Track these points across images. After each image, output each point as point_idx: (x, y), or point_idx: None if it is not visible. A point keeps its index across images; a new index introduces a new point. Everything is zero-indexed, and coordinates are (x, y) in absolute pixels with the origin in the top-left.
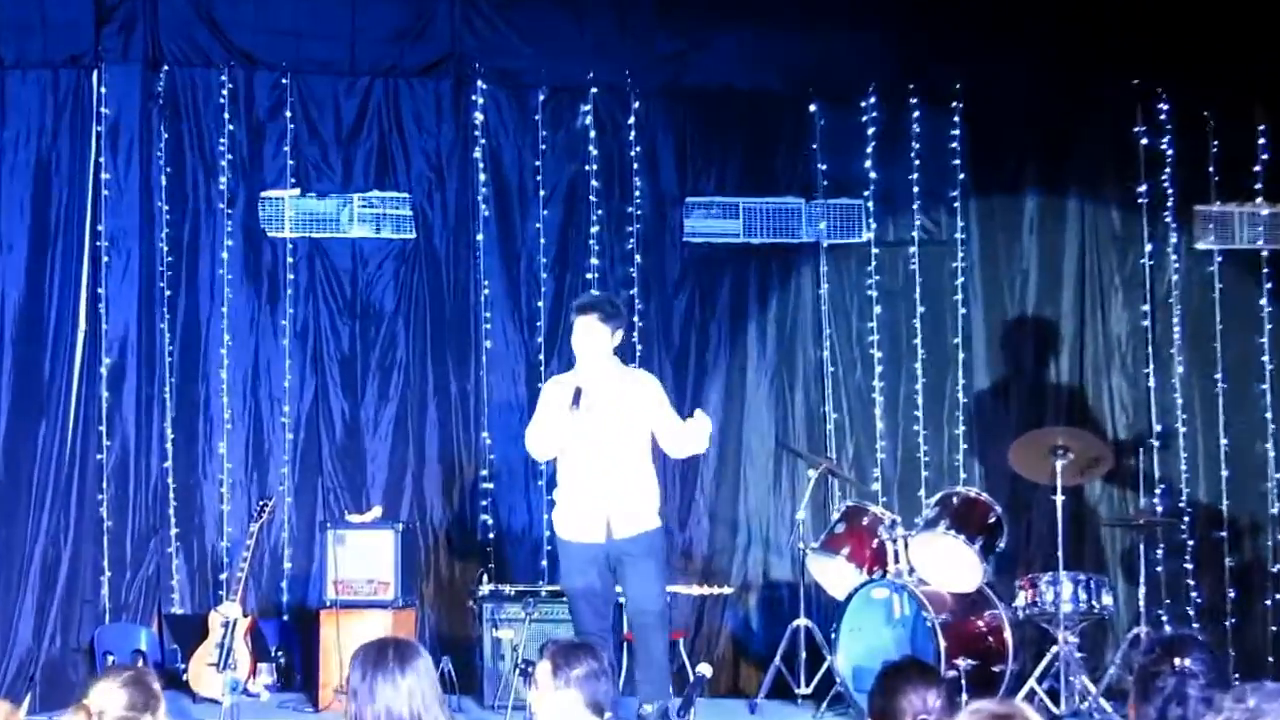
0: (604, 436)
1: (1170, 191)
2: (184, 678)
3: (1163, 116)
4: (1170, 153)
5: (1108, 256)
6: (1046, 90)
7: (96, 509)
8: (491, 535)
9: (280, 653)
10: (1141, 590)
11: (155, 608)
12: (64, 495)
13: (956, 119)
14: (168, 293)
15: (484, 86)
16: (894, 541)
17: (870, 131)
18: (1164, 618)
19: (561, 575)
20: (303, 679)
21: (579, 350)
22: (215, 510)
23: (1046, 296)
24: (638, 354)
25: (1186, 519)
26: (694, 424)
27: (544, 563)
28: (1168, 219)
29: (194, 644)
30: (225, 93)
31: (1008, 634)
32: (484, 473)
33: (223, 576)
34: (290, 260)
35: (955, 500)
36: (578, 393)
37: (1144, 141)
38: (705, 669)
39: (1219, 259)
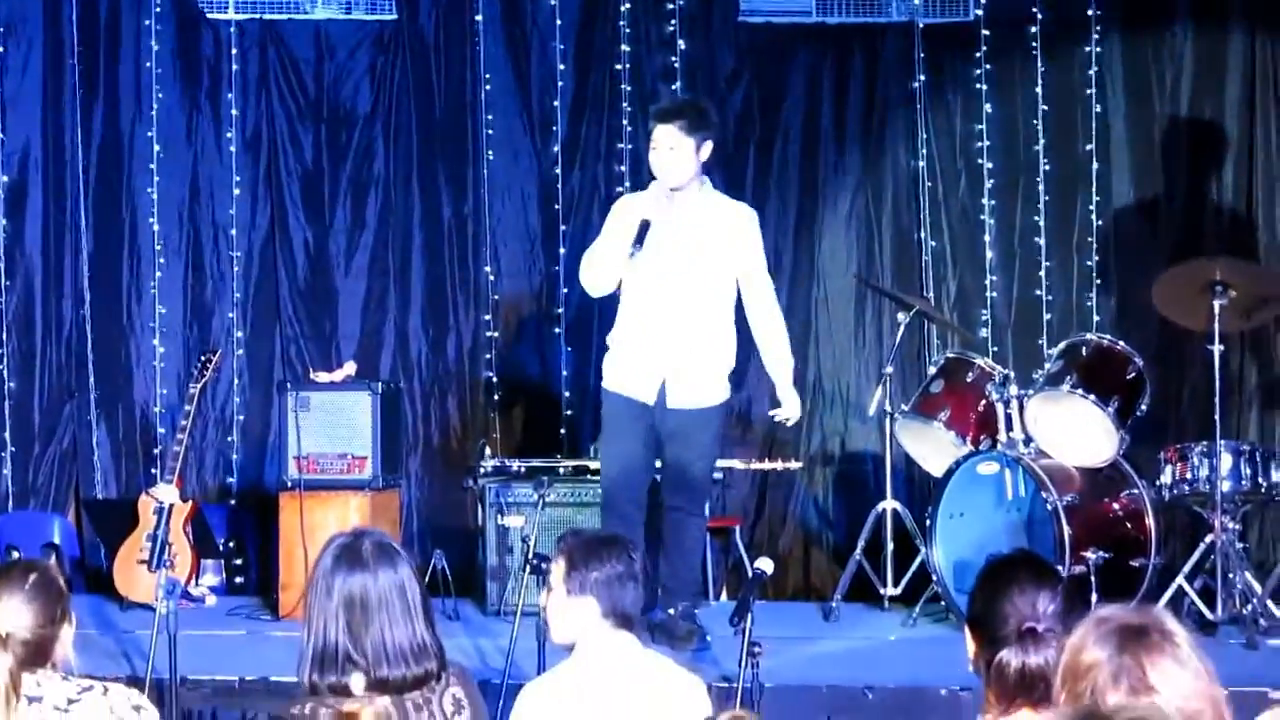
0: (676, 278)
1: None
2: (109, 577)
3: None
4: None
5: None
6: None
7: None
8: (496, 398)
9: (230, 546)
10: None
11: (71, 490)
12: None
13: None
14: (80, 92)
15: None
16: (1006, 403)
17: None
18: None
19: (603, 434)
20: (258, 579)
21: (658, 168)
22: (146, 368)
23: (1205, 92)
24: None
25: None
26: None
27: (563, 431)
28: None
29: (121, 536)
30: None
31: (1150, 519)
32: (486, 318)
33: (156, 451)
34: (236, 49)
35: (1085, 351)
36: (644, 228)
37: None
38: (767, 564)
39: None
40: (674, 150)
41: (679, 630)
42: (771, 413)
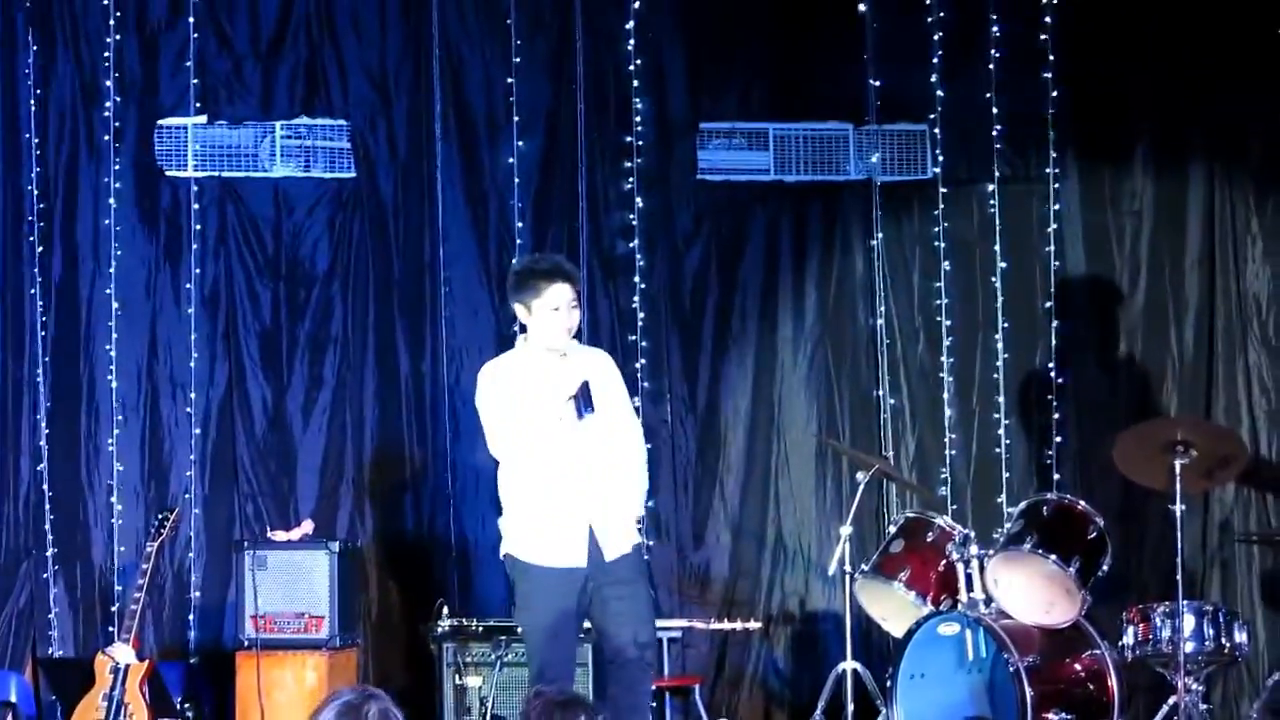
0: (579, 432)
1: None
2: None
3: None
4: None
5: (1243, 196)
6: None
7: None
8: (453, 556)
9: (187, 706)
10: None
11: (28, 649)
12: None
13: (1047, 19)
14: (39, 249)
15: None
16: (966, 563)
17: (936, 37)
18: None
19: (527, 610)
20: None
21: (563, 328)
22: (104, 525)
23: (1164, 248)
24: (639, 323)
25: None
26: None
27: None
28: None
29: (78, 695)
30: None
31: (1112, 680)
32: (445, 476)
33: (114, 609)
34: (196, 206)
35: (1045, 510)
36: (585, 390)
37: None
38: None
39: None
40: (575, 308)
41: None
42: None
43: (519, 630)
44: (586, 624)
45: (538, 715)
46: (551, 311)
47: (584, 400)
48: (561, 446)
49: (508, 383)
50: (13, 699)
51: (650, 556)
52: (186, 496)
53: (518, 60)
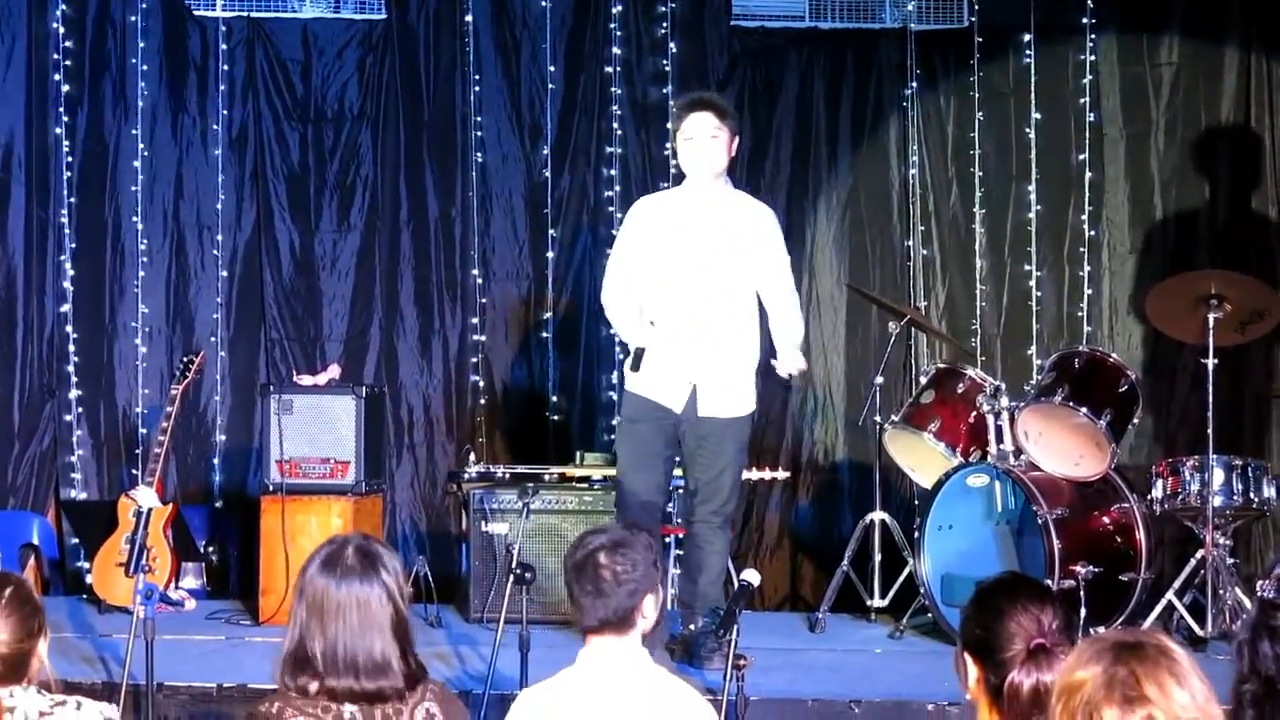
0: (703, 281)
1: None
2: (88, 580)
3: None
4: None
5: (1278, 51)
6: None
7: None
8: (483, 402)
9: (210, 550)
10: None
11: (51, 490)
12: None
13: None
14: (65, 88)
15: None
16: (997, 415)
17: None
18: None
19: (621, 436)
20: (239, 583)
21: (695, 157)
22: (128, 367)
23: (1199, 98)
24: (671, 169)
25: None
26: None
27: (550, 439)
28: None
29: (100, 537)
30: None
31: (1140, 534)
32: (474, 321)
33: (137, 452)
34: (224, 47)
35: (1077, 362)
36: (639, 355)
37: None
38: (753, 575)
39: None
40: (714, 139)
41: (701, 647)
42: (773, 363)
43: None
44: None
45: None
46: (685, 141)
47: (635, 364)
48: (668, 290)
49: (635, 224)
50: (35, 541)
51: None
52: (212, 339)
53: None
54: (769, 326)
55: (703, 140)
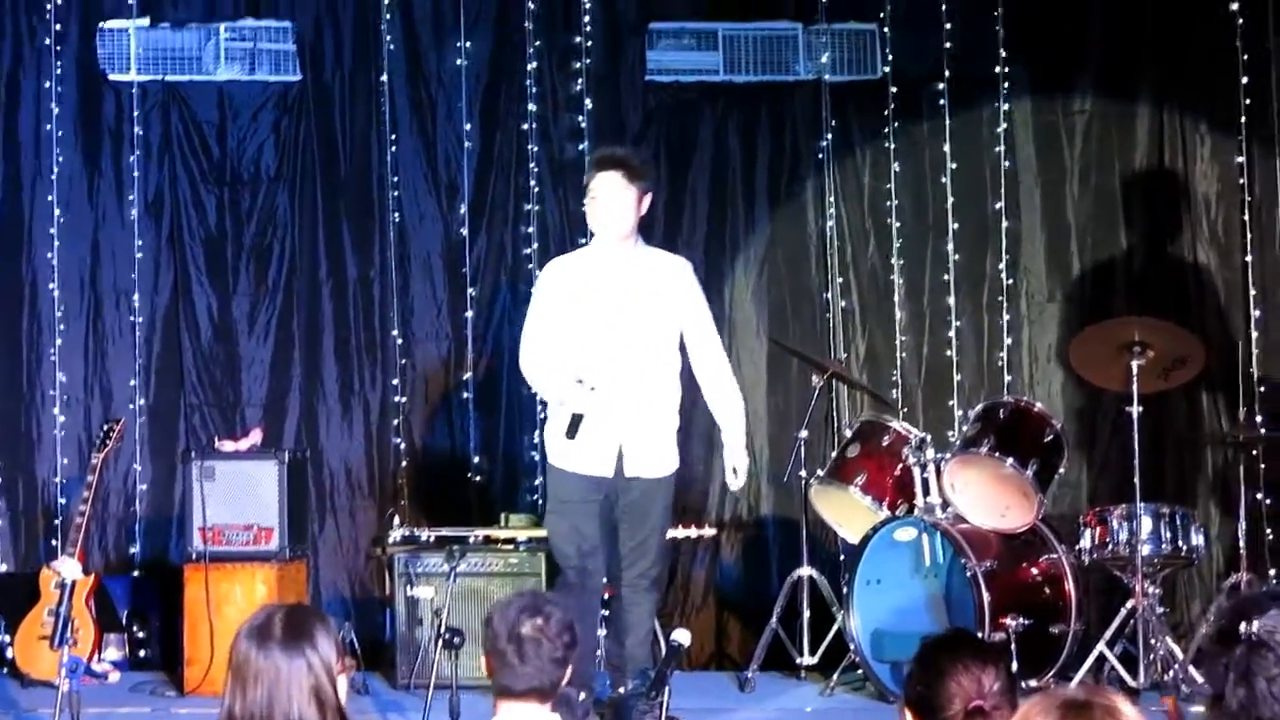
0: (622, 342)
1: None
2: (8, 655)
3: None
4: None
5: (1192, 95)
6: None
7: None
8: (405, 464)
9: (133, 619)
10: (1241, 526)
11: None
12: None
13: None
14: None
15: None
16: (923, 467)
17: None
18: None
19: (552, 513)
20: (162, 653)
21: (598, 218)
22: (47, 436)
23: (1113, 144)
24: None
25: None
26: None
27: (473, 501)
28: (1271, 43)
29: (22, 611)
30: None
31: (1069, 584)
32: (394, 383)
33: (57, 522)
34: (138, 111)
35: (1001, 412)
36: (576, 420)
37: None
38: (684, 635)
39: None
40: (616, 199)
41: (632, 710)
42: (727, 480)
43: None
44: None
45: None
46: (591, 200)
47: (571, 430)
48: (585, 355)
49: (547, 288)
50: None
51: None
52: (131, 406)
53: None
54: (708, 404)
55: (607, 200)
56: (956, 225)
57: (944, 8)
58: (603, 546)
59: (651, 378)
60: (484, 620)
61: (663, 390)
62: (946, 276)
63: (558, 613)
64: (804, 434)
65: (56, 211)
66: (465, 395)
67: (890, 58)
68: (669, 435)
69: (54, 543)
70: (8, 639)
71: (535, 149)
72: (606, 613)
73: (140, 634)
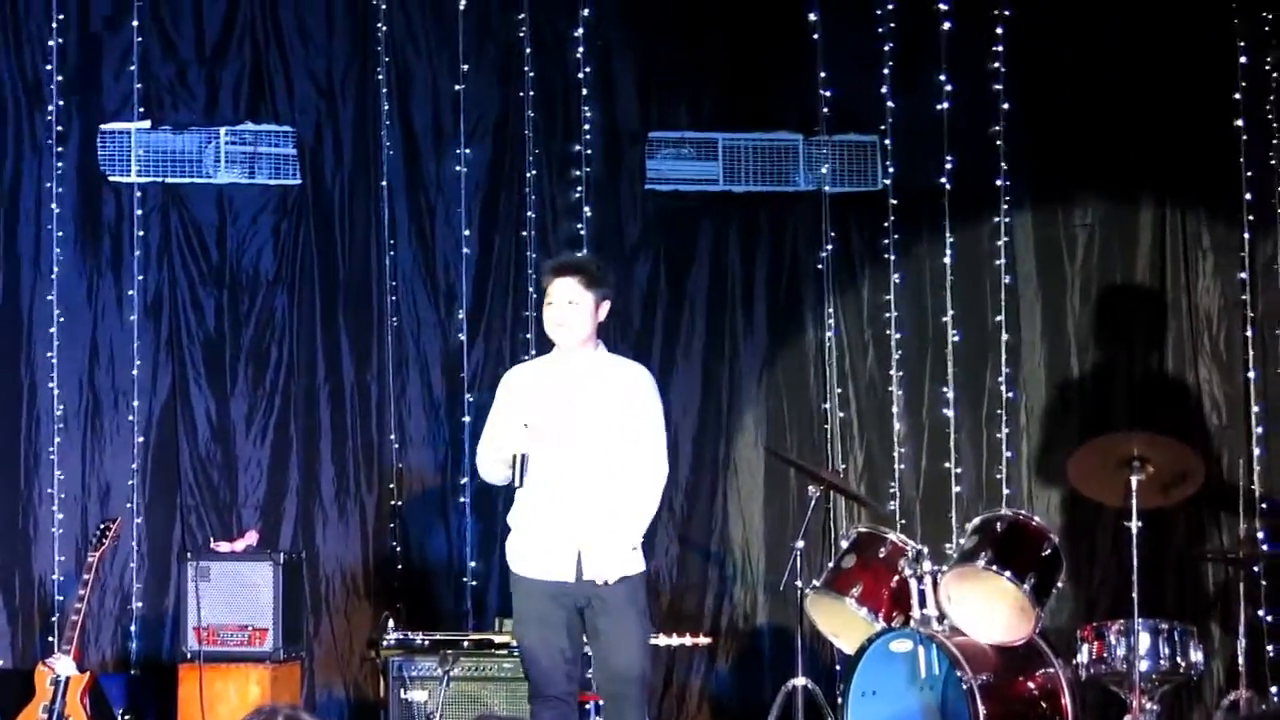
0: (578, 447)
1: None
2: None
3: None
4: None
5: (1195, 211)
6: None
7: None
8: (400, 567)
9: (128, 718)
10: (1241, 644)
11: None
12: None
13: (1000, 30)
14: None
15: None
16: (919, 579)
17: (887, 48)
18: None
19: (516, 621)
20: None
21: (554, 324)
22: (44, 535)
23: (1115, 261)
24: None
25: None
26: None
27: (468, 605)
28: (1274, 161)
29: (17, 707)
30: None
31: (1066, 699)
32: (391, 486)
33: (53, 619)
34: (139, 213)
35: (999, 526)
36: (523, 461)
37: (1244, 60)
38: None
39: None
40: (573, 305)
41: None
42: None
43: (513, 643)
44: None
45: None
46: (547, 306)
47: (519, 473)
48: (543, 459)
49: (505, 393)
50: None
51: None
52: (128, 506)
53: (465, 68)
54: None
55: (561, 306)
56: (956, 338)
57: (945, 121)
58: (579, 657)
59: (606, 482)
60: None
61: (618, 494)
62: (946, 389)
63: None
64: (800, 544)
65: (56, 311)
66: (462, 500)
67: (891, 169)
68: (628, 540)
69: (50, 639)
70: None
71: (534, 256)
72: (599, 718)
73: None
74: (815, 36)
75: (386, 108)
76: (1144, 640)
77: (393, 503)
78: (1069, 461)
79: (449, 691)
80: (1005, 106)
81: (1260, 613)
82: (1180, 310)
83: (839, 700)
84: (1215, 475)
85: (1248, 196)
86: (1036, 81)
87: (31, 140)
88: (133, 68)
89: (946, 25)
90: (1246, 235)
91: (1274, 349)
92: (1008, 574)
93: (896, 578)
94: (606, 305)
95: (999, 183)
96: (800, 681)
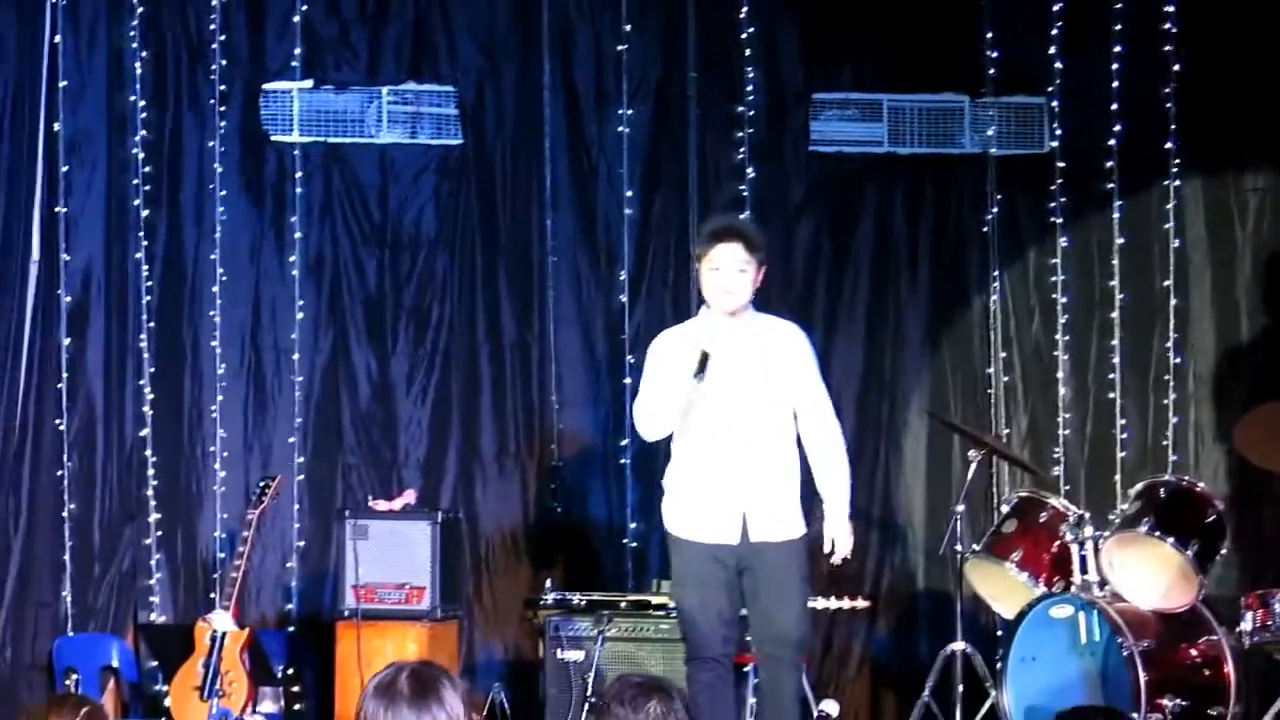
0: (740, 408)
1: None
2: (166, 704)
3: None
4: None
5: None
6: None
7: (55, 489)
8: (560, 528)
9: (288, 674)
10: None
11: (130, 614)
12: (13, 471)
13: None
14: (144, 213)
15: None
16: (1080, 545)
17: (1056, 8)
18: None
19: (675, 583)
20: (317, 708)
21: (720, 289)
22: (206, 492)
23: None
24: None
25: None
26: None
27: (628, 566)
28: None
29: (178, 661)
30: None
31: (1229, 667)
32: (551, 447)
33: (215, 576)
34: (301, 173)
35: (1163, 492)
36: (704, 359)
37: None
38: (832, 706)
39: None
40: (743, 272)
41: None
42: (826, 551)
43: (670, 604)
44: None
45: (615, 695)
46: (711, 271)
47: (699, 369)
48: (702, 422)
49: (663, 353)
50: (114, 664)
51: None
52: (289, 463)
53: (628, 28)
54: (816, 480)
55: (730, 273)
56: (1123, 302)
57: (1114, 83)
58: (737, 619)
59: (769, 443)
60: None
61: (781, 456)
62: (1112, 354)
63: (678, 698)
64: (961, 508)
65: (219, 270)
66: (622, 461)
67: (1058, 132)
68: (792, 500)
69: (212, 596)
70: (165, 688)
71: (695, 217)
72: (757, 680)
73: (295, 688)
74: None
75: (548, 68)
76: None
77: (553, 463)
78: (1236, 428)
79: (605, 652)
80: (1176, 68)
81: None
82: None
83: (998, 665)
84: None
85: None
86: (1209, 43)
87: (194, 100)
88: (296, 26)
89: None
90: None
91: None
92: (1170, 540)
93: (1057, 543)
94: (764, 270)
95: (1168, 145)
96: (959, 646)
